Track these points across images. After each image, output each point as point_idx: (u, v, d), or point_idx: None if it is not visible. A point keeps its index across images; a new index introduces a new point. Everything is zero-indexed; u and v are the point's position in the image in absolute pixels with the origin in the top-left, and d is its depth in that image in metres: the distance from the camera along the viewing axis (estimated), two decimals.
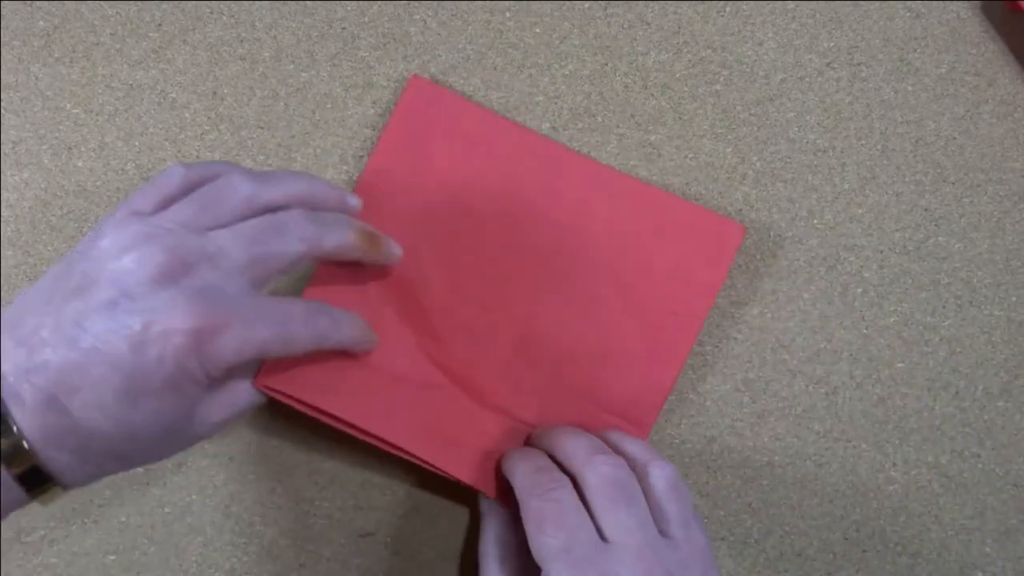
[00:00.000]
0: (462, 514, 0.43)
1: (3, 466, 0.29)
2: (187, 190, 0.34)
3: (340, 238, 0.35)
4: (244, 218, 0.33)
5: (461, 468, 0.38)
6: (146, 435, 0.32)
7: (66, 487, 0.32)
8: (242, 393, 0.35)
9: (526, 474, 0.36)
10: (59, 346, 0.29)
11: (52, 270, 0.32)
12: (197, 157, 0.43)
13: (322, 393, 0.37)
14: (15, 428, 0.29)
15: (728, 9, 0.45)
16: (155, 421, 0.31)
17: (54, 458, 0.30)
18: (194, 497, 0.42)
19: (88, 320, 0.30)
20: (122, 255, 0.31)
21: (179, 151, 0.43)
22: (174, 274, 0.31)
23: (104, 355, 0.30)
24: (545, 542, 0.33)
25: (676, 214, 0.42)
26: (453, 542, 0.42)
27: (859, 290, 0.44)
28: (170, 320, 0.30)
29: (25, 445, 0.29)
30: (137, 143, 0.43)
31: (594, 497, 0.34)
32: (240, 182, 0.34)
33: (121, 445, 0.31)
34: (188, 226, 0.32)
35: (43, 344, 0.30)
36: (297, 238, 0.33)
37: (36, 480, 0.30)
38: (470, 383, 0.42)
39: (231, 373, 0.34)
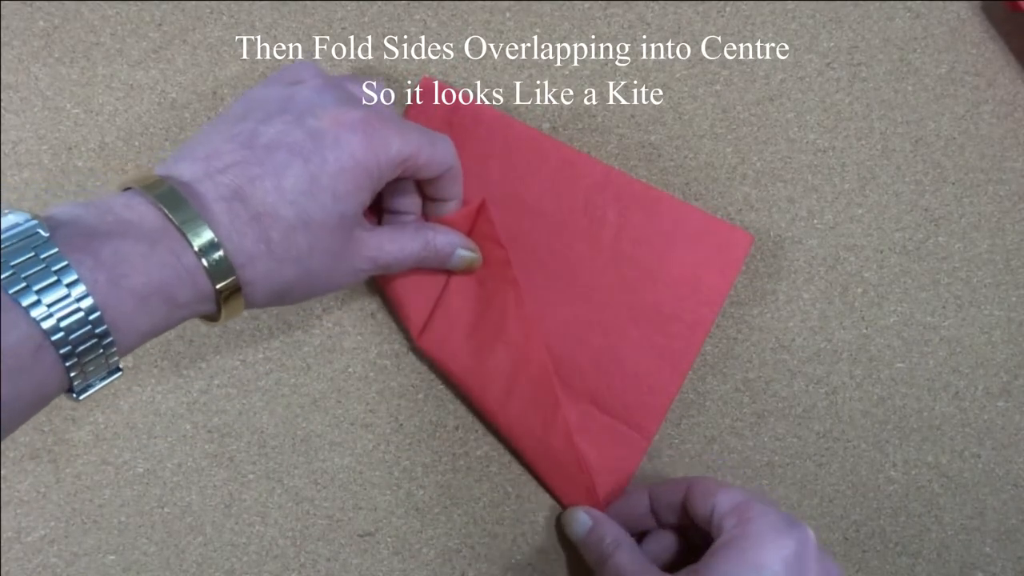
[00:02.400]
0: (462, 514, 0.43)
1: (191, 249, 0.29)
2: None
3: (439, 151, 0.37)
4: None
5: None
6: (319, 231, 0.32)
7: (251, 294, 0.32)
8: (386, 245, 0.36)
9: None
10: (237, 149, 0.31)
11: (203, 128, 0.33)
12: None
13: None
14: (199, 213, 0.30)
15: (728, 9, 0.45)
16: (331, 214, 0.32)
17: (244, 251, 0.31)
18: (194, 497, 0.42)
19: (264, 125, 0.32)
20: (279, 82, 0.34)
21: None
22: (336, 86, 0.34)
23: (283, 144, 0.31)
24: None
25: (685, 221, 0.42)
26: (453, 542, 0.43)
27: (859, 290, 0.44)
28: (341, 113, 0.33)
29: (211, 234, 0.30)
30: (137, 143, 0.43)
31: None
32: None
33: (299, 240, 0.32)
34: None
35: (220, 154, 0.31)
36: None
37: (223, 273, 0.30)
38: (479, 373, 0.42)
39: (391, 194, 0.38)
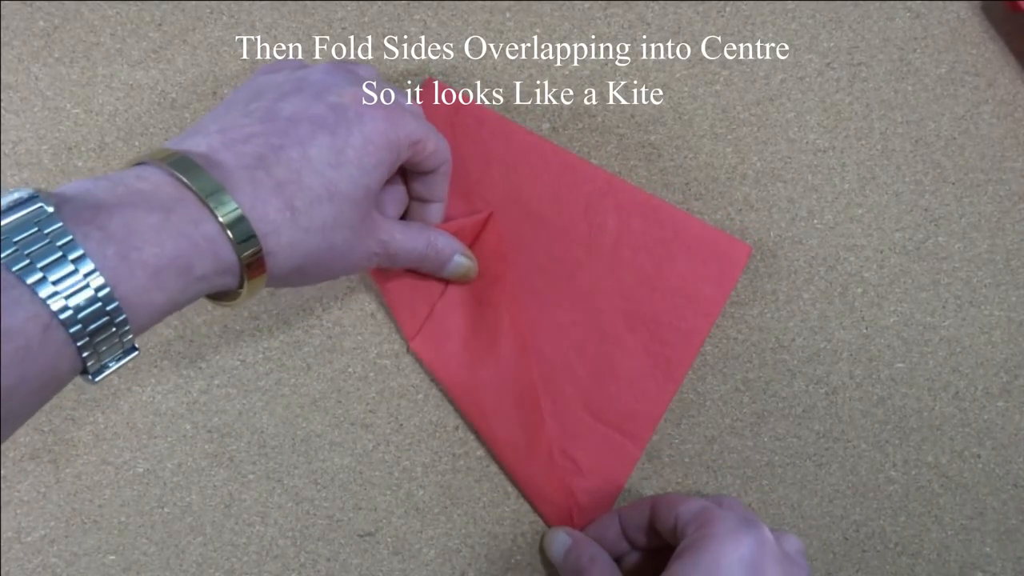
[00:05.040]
0: (462, 514, 0.43)
1: (215, 219, 0.28)
2: None
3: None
4: None
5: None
6: (344, 203, 0.32)
7: (273, 267, 0.30)
8: (395, 235, 0.36)
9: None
10: (257, 123, 0.30)
11: (210, 112, 0.33)
12: None
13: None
14: (221, 184, 0.28)
15: (728, 9, 0.45)
16: (357, 186, 0.32)
17: (268, 220, 0.29)
18: (194, 497, 0.42)
19: (281, 102, 0.32)
20: (281, 69, 0.34)
21: None
22: (348, 70, 0.34)
23: (306, 117, 0.31)
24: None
25: (684, 230, 0.42)
26: (453, 542, 0.42)
27: (859, 290, 0.44)
28: (359, 91, 0.33)
29: (233, 202, 0.28)
30: (137, 143, 0.43)
31: None
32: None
33: (324, 210, 0.31)
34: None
35: (238, 126, 0.30)
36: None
37: (247, 243, 0.29)
38: (468, 385, 0.42)
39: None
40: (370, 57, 0.44)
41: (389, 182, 0.38)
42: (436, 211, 0.40)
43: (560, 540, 0.40)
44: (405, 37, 0.44)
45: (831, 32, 0.45)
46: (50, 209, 0.26)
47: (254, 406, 0.42)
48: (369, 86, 0.34)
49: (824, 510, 0.43)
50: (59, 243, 0.25)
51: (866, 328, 0.44)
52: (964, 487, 0.44)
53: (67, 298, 0.25)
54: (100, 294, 0.26)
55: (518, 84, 0.44)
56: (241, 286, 0.30)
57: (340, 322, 0.43)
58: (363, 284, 0.43)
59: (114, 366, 0.28)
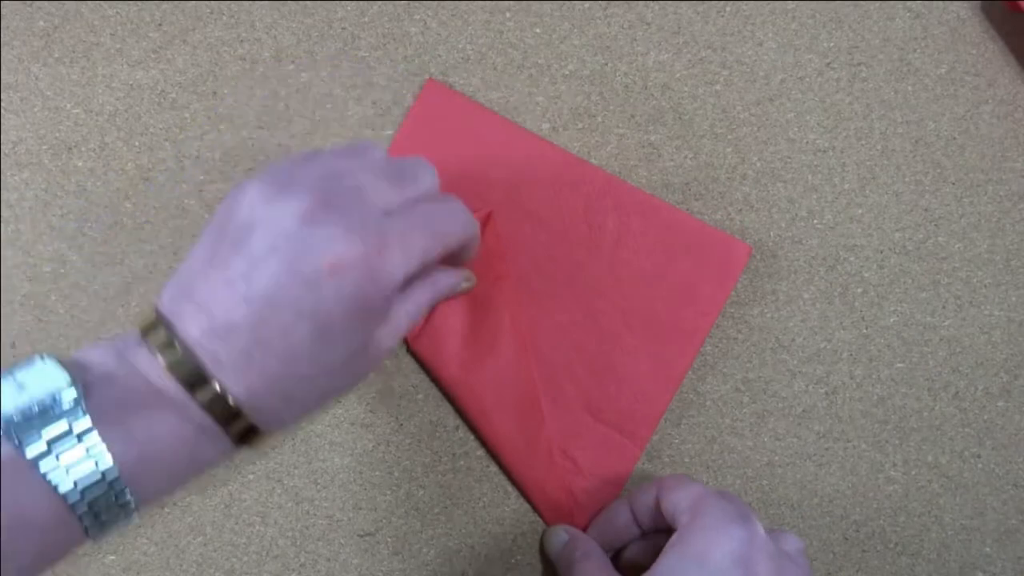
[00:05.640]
0: (462, 514, 0.43)
1: (214, 423, 0.30)
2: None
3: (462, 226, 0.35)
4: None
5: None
6: (341, 367, 0.32)
7: (275, 432, 0.32)
8: (402, 318, 0.35)
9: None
10: (238, 304, 0.29)
11: (204, 233, 0.31)
12: (197, 157, 0.43)
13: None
14: (218, 387, 0.29)
15: (728, 9, 0.45)
16: (347, 353, 0.31)
17: (259, 408, 0.30)
18: (194, 497, 0.42)
19: (256, 271, 0.29)
20: (271, 201, 0.30)
21: (179, 151, 0.43)
22: (327, 205, 0.30)
23: (283, 302, 0.29)
24: None
25: (684, 230, 0.42)
26: (453, 542, 0.42)
27: (859, 290, 0.44)
28: (334, 253, 0.29)
29: (230, 401, 0.29)
30: (137, 143, 0.43)
31: None
32: (374, 149, 0.35)
33: (321, 382, 0.31)
34: (328, 173, 0.32)
35: (221, 305, 0.29)
36: (430, 172, 0.35)
37: (249, 437, 0.31)
38: (468, 385, 0.42)
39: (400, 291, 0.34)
40: (370, 57, 0.44)
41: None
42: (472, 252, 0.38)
43: (558, 537, 0.40)
44: (405, 37, 0.44)
45: (831, 32, 0.45)
46: (75, 395, 0.27)
47: None
48: (352, 225, 0.30)
49: (824, 510, 0.43)
50: (83, 440, 0.27)
51: (866, 328, 0.44)
52: (964, 487, 0.44)
53: (76, 481, 0.27)
54: (114, 486, 0.28)
55: (518, 84, 0.44)
56: (250, 448, 0.32)
57: None
58: None
59: (113, 530, 0.30)
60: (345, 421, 0.43)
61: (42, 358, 0.28)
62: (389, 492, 0.42)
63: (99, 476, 0.27)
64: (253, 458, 0.42)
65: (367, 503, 0.42)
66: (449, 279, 0.38)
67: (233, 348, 0.29)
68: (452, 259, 0.37)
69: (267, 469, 0.42)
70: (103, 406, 0.28)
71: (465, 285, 0.40)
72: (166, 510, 0.42)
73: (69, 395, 0.27)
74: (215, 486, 0.42)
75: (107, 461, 0.27)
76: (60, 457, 0.27)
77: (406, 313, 0.35)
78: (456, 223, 0.34)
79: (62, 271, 0.42)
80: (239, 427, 0.30)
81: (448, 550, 0.42)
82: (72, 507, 0.27)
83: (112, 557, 0.41)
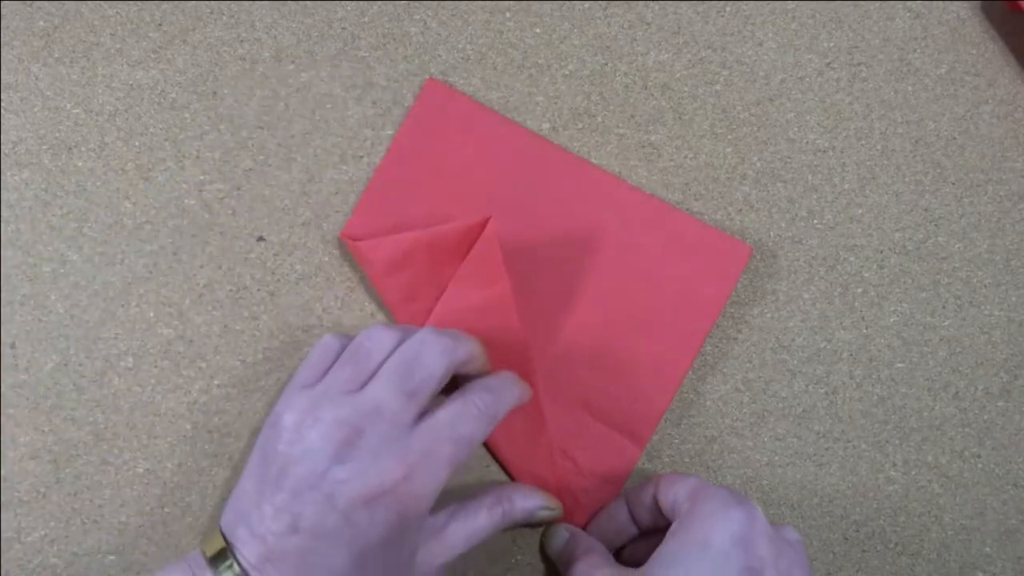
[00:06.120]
0: None
1: None
2: (340, 353, 0.37)
3: (469, 345, 0.37)
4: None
5: None
6: None
7: None
8: (458, 536, 0.37)
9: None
10: (285, 534, 0.33)
11: (252, 460, 0.35)
12: (197, 157, 0.43)
13: None
14: None
15: (728, 9, 0.45)
16: (386, 571, 0.34)
17: None
18: (194, 497, 0.42)
19: (298, 505, 0.33)
20: (305, 436, 0.34)
21: (179, 151, 0.43)
22: (352, 442, 0.33)
23: (325, 533, 0.32)
24: None
25: (684, 231, 0.42)
26: None
27: (859, 290, 0.44)
28: (365, 484, 0.32)
29: None
30: (137, 143, 0.43)
31: None
32: (381, 332, 0.37)
33: None
34: (347, 388, 0.35)
35: (271, 534, 0.33)
36: (437, 354, 0.35)
37: None
38: None
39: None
40: (370, 57, 0.44)
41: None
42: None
43: (559, 536, 0.40)
44: (405, 37, 0.44)
45: (831, 32, 0.45)
46: None
47: (254, 406, 0.42)
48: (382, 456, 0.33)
49: (824, 510, 0.43)
50: None
51: (866, 328, 0.44)
52: (964, 487, 0.44)
53: None
54: None
55: (518, 84, 0.44)
56: None
57: (340, 322, 0.43)
58: (363, 284, 0.43)
59: None
60: None
61: None
62: None
63: None
64: None
65: None
66: (526, 504, 0.39)
67: (284, 573, 0.32)
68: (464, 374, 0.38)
69: None
70: None
71: (547, 514, 0.40)
72: (166, 510, 0.42)
73: None
74: (215, 486, 0.42)
75: None
76: None
77: (465, 532, 0.37)
78: (480, 422, 0.35)
79: (62, 271, 0.42)
80: None
81: None
82: None
83: (112, 557, 0.41)
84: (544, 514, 0.40)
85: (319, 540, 0.32)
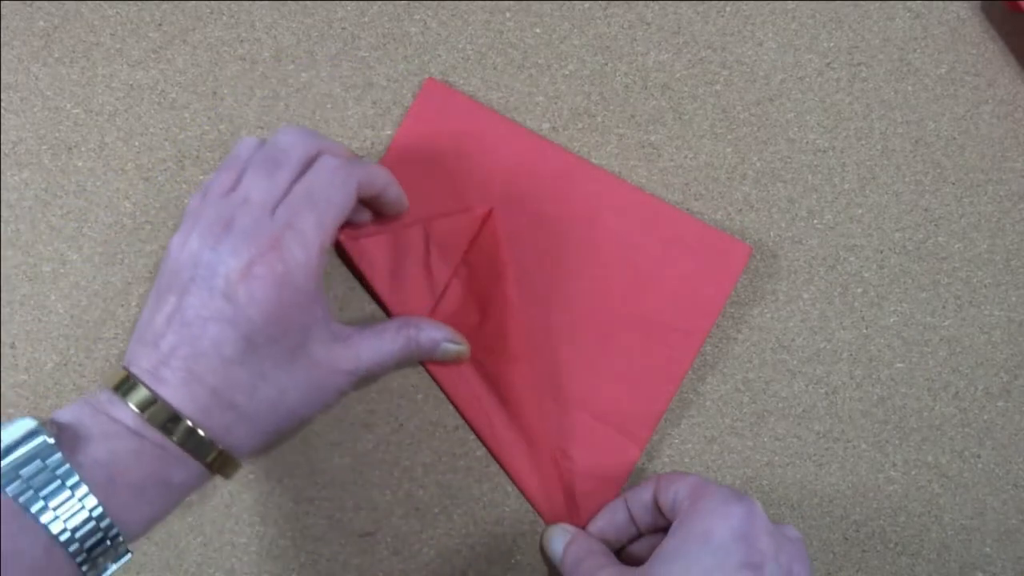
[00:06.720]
0: (462, 514, 0.43)
1: (169, 440, 0.32)
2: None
3: (337, 147, 0.38)
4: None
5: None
6: (285, 377, 0.35)
7: (241, 453, 0.35)
8: (365, 349, 0.37)
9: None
10: (174, 331, 0.33)
11: (148, 298, 0.36)
12: (197, 157, 0.43)
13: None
14: (170, 406, 0.32)
15: (728, 9, 0.45)
16: (283, 356, 0.34)
17: (212, 423, 0.33)
18: (194, 497, 0.42)
19: (185, 300, 0.34)
20: (188, 243, 0.35)
21: (179, 151, 0.43)
22: (226, 231, 0.34)
23: (209, 317, 0.33)
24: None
25: (684, 231, 0.42)
26: (453, 542, 0.42)
27: (859, 290, 0.44)
28: (239, 260, 0.33)
29: (182, 417, 0.32)
30: (137, 143, 0.43)
31: None
32: (249, 139, 0.38)
33: (263, 392, 0.34)
34: (224, 191, 0.36)
35: (162, 336, 0.33)
36: (300, 140, 0.36)
37: (205, 450, 0.33)
38: (468, 385, 0.42)
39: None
40: (370, 57, 0.44)
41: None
42: (394, 207, 0.40)
43: (559, 537, 0.40)
44: (405, 37, 0.44)
45: (831, 32, 0.45)
46: (51, 441, 0.30)
47: None
48: (264, 240, 0.34)
49: (824, 510, 0.43)
50: (58, 472, 0.30)
51: (866, 328, 0.44)
52: (964, 487, 0.44)
53: (66, 521, 0.30)
54: (94, 514, 0.30)
55: (518, 84, 0.44)
56: (222, 474, 0.34)
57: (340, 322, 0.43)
58: (363, 286, 0.43)
59: (111, 568, 0.32)
60: (345, 421, 0.43)
61: (22, 418, 0.31)
62: (389, 492, 0.42)
63: (78, 505, 0.30)
64: (252, 459, 0.42)
65: (367, 503, 0.42)
66: (433, 333, 0.40)
67: (177, 368, 0.33)
68: (378, 205, 0.39)
69: (267, 469, 0.42)
70: (71, 442, 0.31)
71: (453, 348, 0.40)
72: None
73: (50, 446, 0.30)
74: (215, 486, 0.42)
75: (82, 490, 0.30)
76: (42, 496, 0.29)
77: (371, 348, 0.37)
78: (335, 185, 0.36)
79: (62, 271, 0.42)
80: (198, 444, 0.33)
81: (448, 550, 0.42)
82: (60, 540, 0.29)
83: None
84: (450, 347, 0.40)
85: (205, 326, 0.33)
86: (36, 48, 0.43)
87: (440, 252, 0.41)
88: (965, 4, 0.45)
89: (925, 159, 0.45)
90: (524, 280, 0.42)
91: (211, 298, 0.33)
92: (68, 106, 0.43)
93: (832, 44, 0.45)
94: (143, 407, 0.32)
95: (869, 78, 0.45)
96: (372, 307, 0.43)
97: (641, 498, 0.39)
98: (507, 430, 0.41)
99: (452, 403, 0.42)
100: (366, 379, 0.38)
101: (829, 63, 0.45)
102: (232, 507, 0.42)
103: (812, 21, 0.45)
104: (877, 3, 0.45)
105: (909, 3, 0.45)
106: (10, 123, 0.43)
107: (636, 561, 0.39)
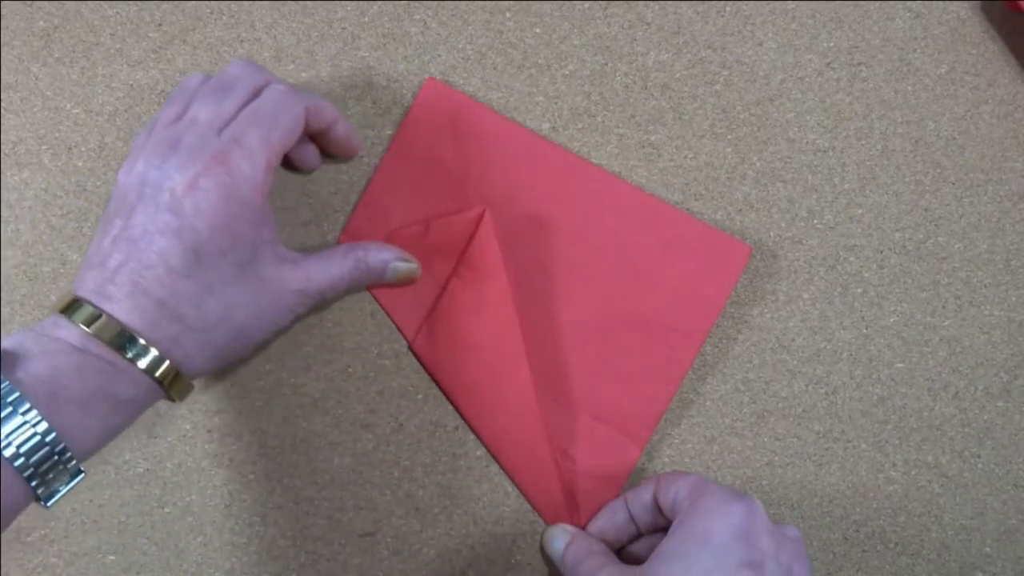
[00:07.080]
0: (462, 514, 0.43)
1: (113, 352, 0.32)
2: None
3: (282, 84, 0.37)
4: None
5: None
6: (234, 292, 0.34)
7: (190, 370, 0.34)
8: (315, 271, 0.37)
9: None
10: (120, 249, 0.33)
11: (99, 226, 0.36)
12: None
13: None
14: (115, 319, 0.32)
15: (728, 9, 0.45)
16: (230, 270, 0.34)
17: (163, 337, 0.33)
18: (194, 497, 0.42)
19: (132, 219, 0.33)
20: (132, 168, 0.35)
21: None
22: (172, 150, 0.34)
23: (155, 231, 0.33)
24: None
25: (684, 231, 0.42)
26: (453, 542, 0.42)
27: (859, 290, 0.44)
28: (184, 174, 0.33)
29: (133, 335, 0.32)
30: None
31: None
32: (196, 75, 0.38)
33: (211, 305, 0.34)
34: (171, 120, 0.36)
35: (108, 256, 0.33)
36: (249, 71, 0.37)
37: (153, 364, 0.33)
38: (468, 385, 0.42)
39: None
40: (370, 57, 0.44)
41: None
42: (344, 139, 0.40)
43: (559, 537, 0.40)
44: (405, 37, 0.44)
45: (831, 32, 0.45)
46: None
47: (254, 406, 0.42)
48: (208, 154, 0.34)
49: (824, 510, 0.43)
50: (16, 406, 0.29)
51: (866, 328, 0.44)
52: (964, 487, 0.44)
53: (9, 436, 0.29)
54: (39, 430, 0.30)
55: (518, 84, 0.44)
56: (172, 394, 0.34)
57: (340, 322, 0.43)
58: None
59: (64, 489, 0.32)
60: (345, 421, 0.43)
61: None
62: (389, 492, 0.42)
63: (22, 421, 0.29)
64: (251, 458, 0.42)
65: (367, 503, 0.42)
66: (381, 254, 0.39)
67: (122, 284, 0.33)
68: (328, 141, 0.40)
69: (267, 469, 0.42)
70: (12, 361, 0.31)
71: (403, 266, 0.40)
72: (166, 510, 0.42)
73: None
74: (215, 486, 0.42)
75: (24, 405, 0.29)
76: None
77: (320, 269, 0.37)
78: (282, 106, 0.36)
79: (62, 271, 0.42)
80: (143, 356, 0.32)
81: (448, 550, 0.42)
82: (6, 457, 0.29)
83: (112, 557, 0.41)
84: (400, 265, 0.40)
85: (151, 240, 0.33)
86: (36, 48, 0.43)
87: (439, 252, 0.41)
88: (965, 4, 0.45)
89: (925, 159, 0.45)
90: (524, 280, 0.42)
91: (157, 213, 0.33)
92: (68, 106, 0.43)
93: (832, 44, 0.45)
94: (88, 323, 0.32)
95: (869, 78, 0.45)
96: (372, 307, 0.43)
97: (641, 498, 0.39)
98: (507, 430, 0.41)
99: (452, 403, 0.42)
100: (317, 302, 0.38)
101: (829, 63, 0.45)
102: (232, 507, 0.42)
103: (812, 21, 0.45)
104: (877, 3, 0.45)
105: (909, 3, 0.45)
106: (10, 123, 0.43)
107: (636, 561, 0.39)
